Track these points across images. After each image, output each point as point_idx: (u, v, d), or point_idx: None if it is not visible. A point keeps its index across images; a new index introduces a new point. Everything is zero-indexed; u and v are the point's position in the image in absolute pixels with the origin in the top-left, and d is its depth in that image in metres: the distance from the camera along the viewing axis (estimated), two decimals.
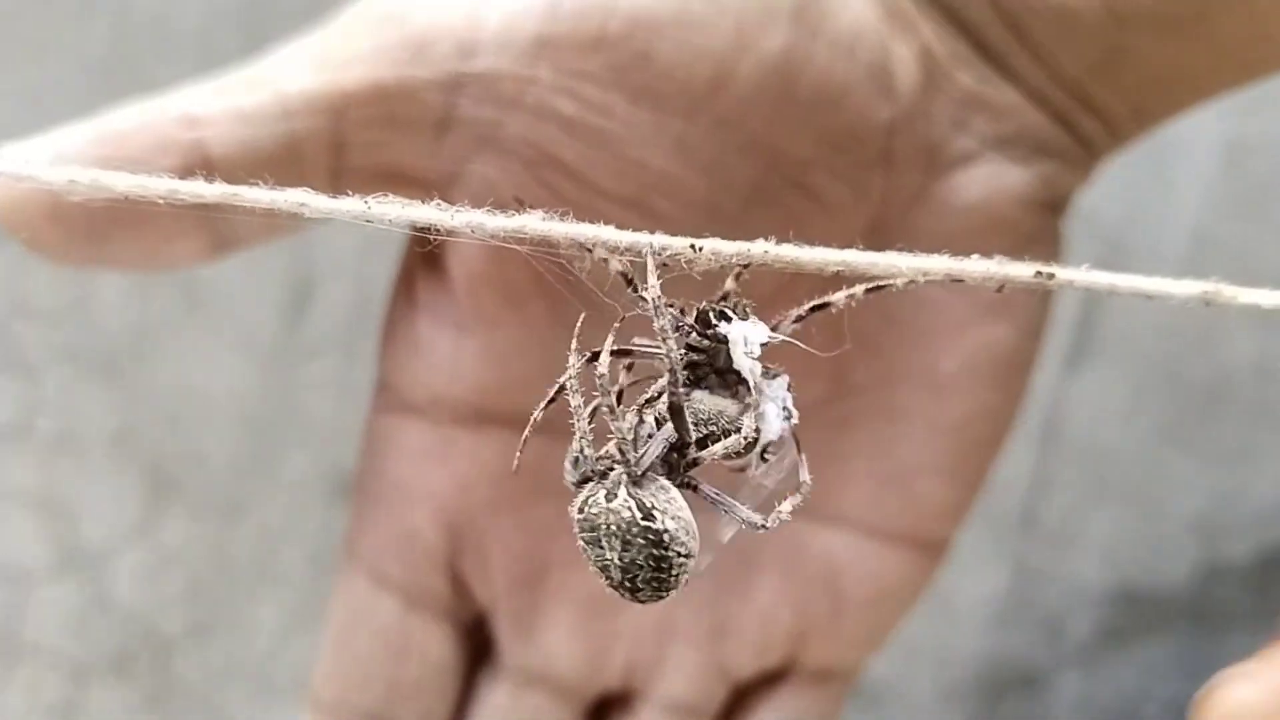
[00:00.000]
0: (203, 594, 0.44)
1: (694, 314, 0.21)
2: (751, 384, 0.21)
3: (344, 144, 0.26)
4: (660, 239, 0.18)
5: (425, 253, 0.29)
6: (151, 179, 0.18)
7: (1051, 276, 0.16)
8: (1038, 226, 0.29)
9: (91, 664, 0.44)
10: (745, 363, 0.21)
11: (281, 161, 0.25)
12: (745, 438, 0.21)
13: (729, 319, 0.21)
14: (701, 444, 0.21)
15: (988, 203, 0.28)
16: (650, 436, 0.21)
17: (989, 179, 0.28)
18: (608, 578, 0.21)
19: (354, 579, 0.30)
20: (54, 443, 0.44)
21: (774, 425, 0.21)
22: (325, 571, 0.44)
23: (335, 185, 0.26)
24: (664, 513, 0.20)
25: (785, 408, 0.21)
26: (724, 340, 0.21)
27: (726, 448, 0.21)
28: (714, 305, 0.21)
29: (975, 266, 0.17)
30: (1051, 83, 0.28)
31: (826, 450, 0.30)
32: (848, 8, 0.26)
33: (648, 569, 0.20)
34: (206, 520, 0.44)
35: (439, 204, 0.19)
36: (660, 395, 0.21)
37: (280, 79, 0.26)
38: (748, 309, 0.21)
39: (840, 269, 0.18)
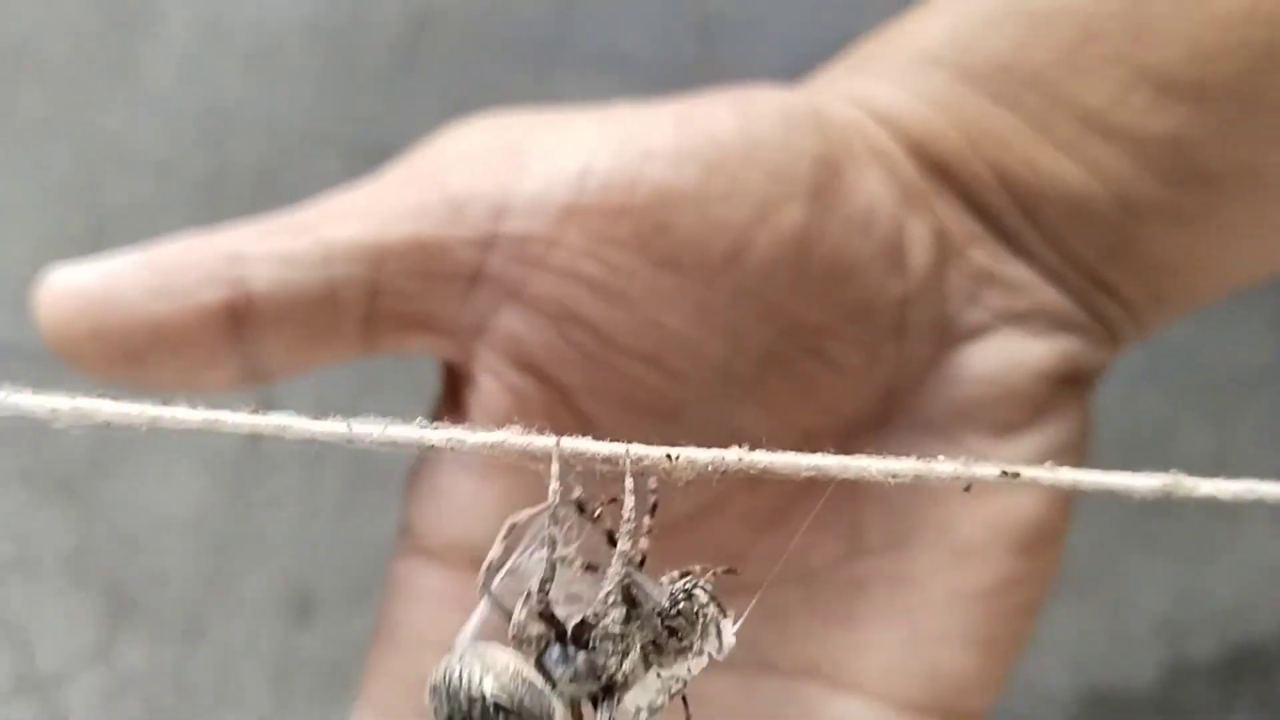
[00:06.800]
0: (160, 718, 0.43)
1: (684, 588, 0.21)
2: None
3: (379, 291, 0.27)
4: (637, 449, 0.19)
5: (451, 400, 0.30)
6: (134, 406, 0.19)
7: (1016, 475, 0.17)
8: (1057, 399, 0.29)
9: None
10: (704, 662, 0.21)
11: (319, 303, 0.27)
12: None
13: (724, 615, 0.21)
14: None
15: (1003, 374, 0.29)
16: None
17: (1004, 352, 0.29)
18: None
19: None
20: (8, 565, 0.43)
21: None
22: (285, 692, 0.43)
23: (368, 327, 0.28)
24: None
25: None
26: (707, 630, 0.21)
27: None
28: (707, 589, 0.21)
29: (943, 468, 0.18)
30: (1067, 265, 0.29)
31: (842, 613, 0.30)
32: (863, 188, 0.28)
33: None
34: (165, 642, 0.44)
35: (420, 421, 0.20)
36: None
37: (324, 227, 0.27)
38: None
39: (813, 474, 0.18)
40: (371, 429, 0.19)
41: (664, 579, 0.21)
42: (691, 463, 0.19)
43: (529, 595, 0.21)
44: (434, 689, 0.20)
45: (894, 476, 0.18)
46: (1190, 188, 0.27)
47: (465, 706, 0.20)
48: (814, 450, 0.29)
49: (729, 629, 0.21)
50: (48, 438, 0.44)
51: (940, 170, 0.29)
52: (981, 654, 0.29)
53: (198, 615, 0.44)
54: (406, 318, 0.28)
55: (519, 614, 0.21)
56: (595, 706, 0.21)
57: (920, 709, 0.30)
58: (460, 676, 0.20)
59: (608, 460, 0.19)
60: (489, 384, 0.28)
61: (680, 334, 0.27)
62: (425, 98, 0.47)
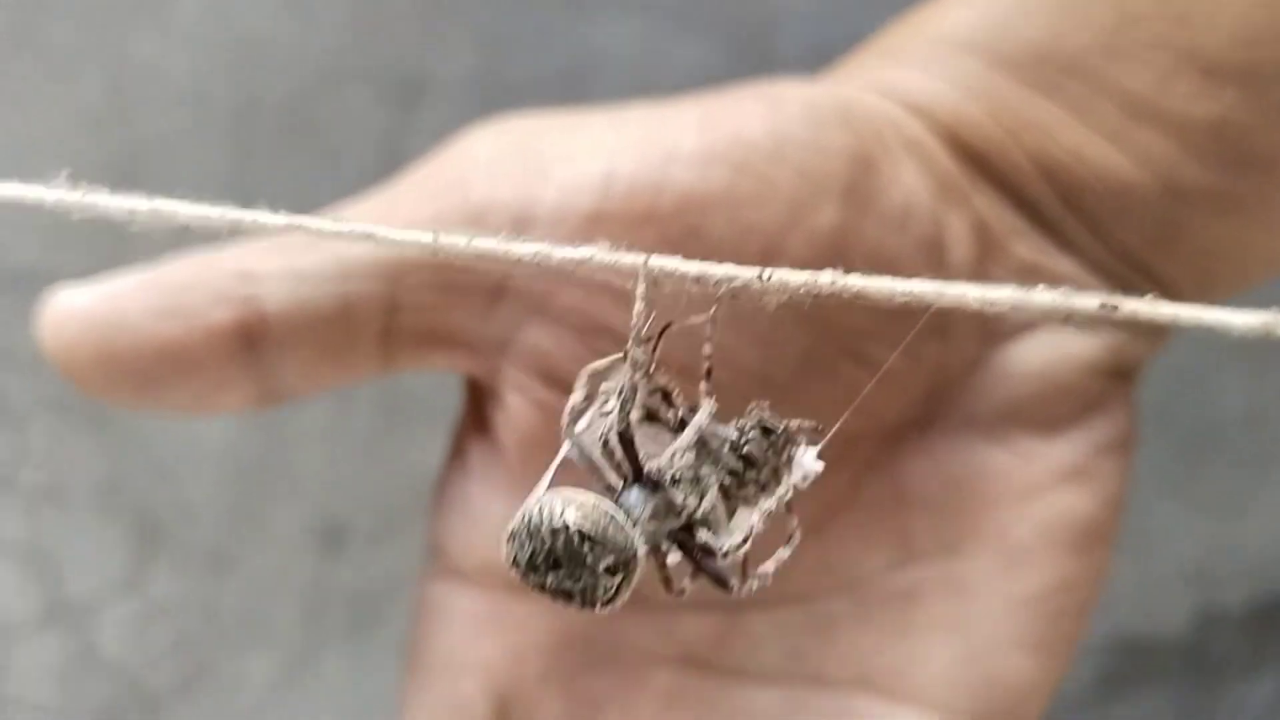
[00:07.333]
0: (190, 648, 0.44)
1: (753, 418, 0.21)
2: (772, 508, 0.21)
3: (398, 307, 0.26)
4: (729, 268, 0.18)
5: (476, 417, 0.29)
6: (214, 210, 0.18)
7: (1115, 309, 0.16)
8: (1104, 393, 0.29)
9: (76, 719, 0.43)
10: (789, 490, 0.21)
11: (336, 321, 0.26)
12: (721, 548, 0.20)
13: (796, 444, 0.21)
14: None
15: (1049, 370, 0.28)
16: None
17: (1049, 347, 0.28)
18: None
19: None
20: (40, 494, 0.43)
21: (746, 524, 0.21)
22: (315, 625, 0.44)
23: (387, 345, 0.27)
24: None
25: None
26: (785, 462, 0.21)
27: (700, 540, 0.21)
28: (778, 422, 0.21)
29: (1041, 297, 0.17)
30: (1110, 255, 0.28)
31: (894, 624, 0.29)
32: (899, 184, 0.27)
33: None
34: (195, 573, 0.44)
35: (505, 236, 0.19)
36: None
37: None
38: (804, 437, 0.21)
39: (907, 299, 0.18)
40: (457, 239, 0.18)
41: (733, 421, 0.21)
42: (784, 284, 0.18)
43: (607, 436, 0.20)
44: (512, 533, 0.20)
45: (991, 305, 0.17)
46: (1240, 173, 0.26)
47: (548, 540, 0.19)
48: (857, 455, 0.29)
49: (810, 455, 0.20)
50: None
51: (978, 161, 0.28)
52: (1038, 659, 0.29)
53: (228, 546, 0.44)
54: (427, 334, 0.27)
55: (597, 453, 0.21)
56: (682, 549, 0.21)
57: (977, 718, 0.29)
58: (541, 513, 0.19)
59: (698, 280, 0.18)
60: (516, 401, 0.27)
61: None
62: (458, 31, 0.47)
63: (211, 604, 0.44)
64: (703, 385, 0.20)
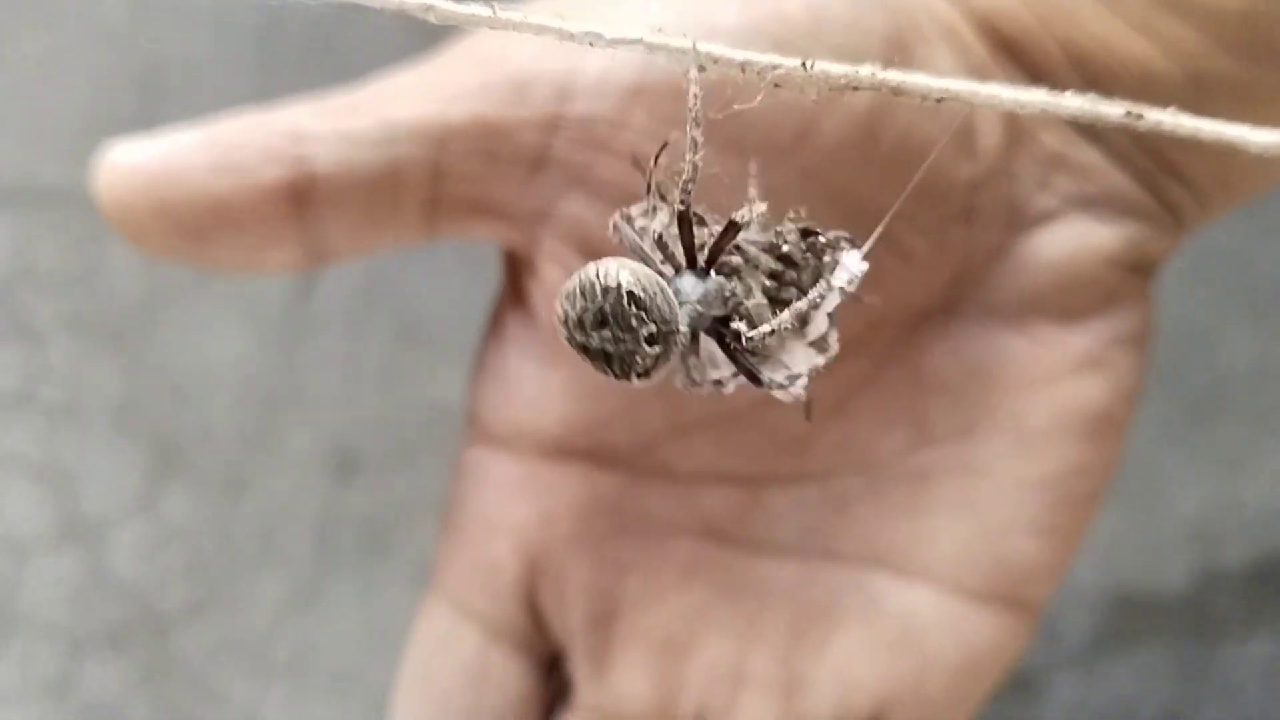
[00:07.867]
0: (202, 570, 0.44)
1: (790, 223, 0.21)
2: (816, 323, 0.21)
3: (442, 174, 0.27)
4: (772, 57, 0.19)
5: (514, 290, 0.30)
6: None
7: (1140, 117, 0.16)
8: (1124, 287, 0.29)
9: (88, 637, 0.43)
10: (836, 298, 0.21)
11: (382, 185, 0.26)
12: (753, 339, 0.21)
13: (839, 249, 0.21)
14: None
15: (1071, 261, 0.29)
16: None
17: (1072, 238, 0.29)
18: None
19: (436, 608, 0.31)
20: (57, 412, 0.44)
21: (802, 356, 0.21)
22: (327, 550, 0.44)
23: (430, 213, 0.27)
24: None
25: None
26: (829, 266, 0.21)
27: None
28: (817, 226, 0.21)
29: (1070, 102, 0.17)
30: (1135, 147, 0.29)
31: (908, 503, 0.30)
32: (933, 68, 0.27)
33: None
34: (209, 495, 0.44)
35: (556, 14, 0.19)
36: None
37: (386, 106, 0.27)
38: (846, 241, 0.21)
39: (942, 97, 0.18)
40: (514, 15, 0.19)
41: (772, 228, 0.21)
42: (826, 75, 0.18)
43: (662, 230, 0.21)
44: (568, 294, 0.20)
45: (1022, 106, 0.17)
46: (1266, 65, 0.26)
47: (599, 298, 0.19)
48: (879, 340, 0.29)
49: (855, 257, 0.21)
50: (100, 287, 0.44)
51: (1010, 49, 0.28)
52: (1047, 542, 0.29)
53: (242, 470, 0.44)
54: (469, 202, 0.27)
55: (648, 245, 0.21)
56: (719, 341, 0.21)
57: (985, 597, 0.29)
58: (596, 273, 0.20)
59: (743, 68, 0.19)
60: (553, 272, 0.28)
61: None
62: None
63: (224, 527, 0.44)
64: (751, 183, 0.20)
